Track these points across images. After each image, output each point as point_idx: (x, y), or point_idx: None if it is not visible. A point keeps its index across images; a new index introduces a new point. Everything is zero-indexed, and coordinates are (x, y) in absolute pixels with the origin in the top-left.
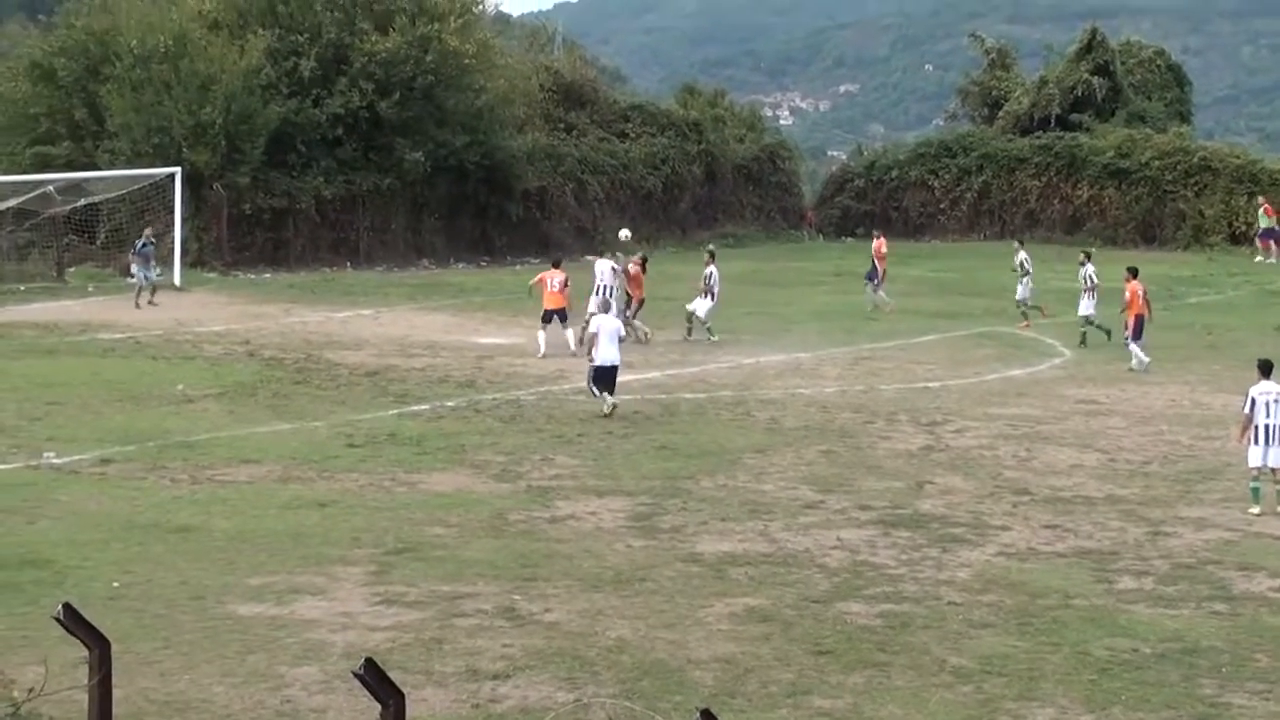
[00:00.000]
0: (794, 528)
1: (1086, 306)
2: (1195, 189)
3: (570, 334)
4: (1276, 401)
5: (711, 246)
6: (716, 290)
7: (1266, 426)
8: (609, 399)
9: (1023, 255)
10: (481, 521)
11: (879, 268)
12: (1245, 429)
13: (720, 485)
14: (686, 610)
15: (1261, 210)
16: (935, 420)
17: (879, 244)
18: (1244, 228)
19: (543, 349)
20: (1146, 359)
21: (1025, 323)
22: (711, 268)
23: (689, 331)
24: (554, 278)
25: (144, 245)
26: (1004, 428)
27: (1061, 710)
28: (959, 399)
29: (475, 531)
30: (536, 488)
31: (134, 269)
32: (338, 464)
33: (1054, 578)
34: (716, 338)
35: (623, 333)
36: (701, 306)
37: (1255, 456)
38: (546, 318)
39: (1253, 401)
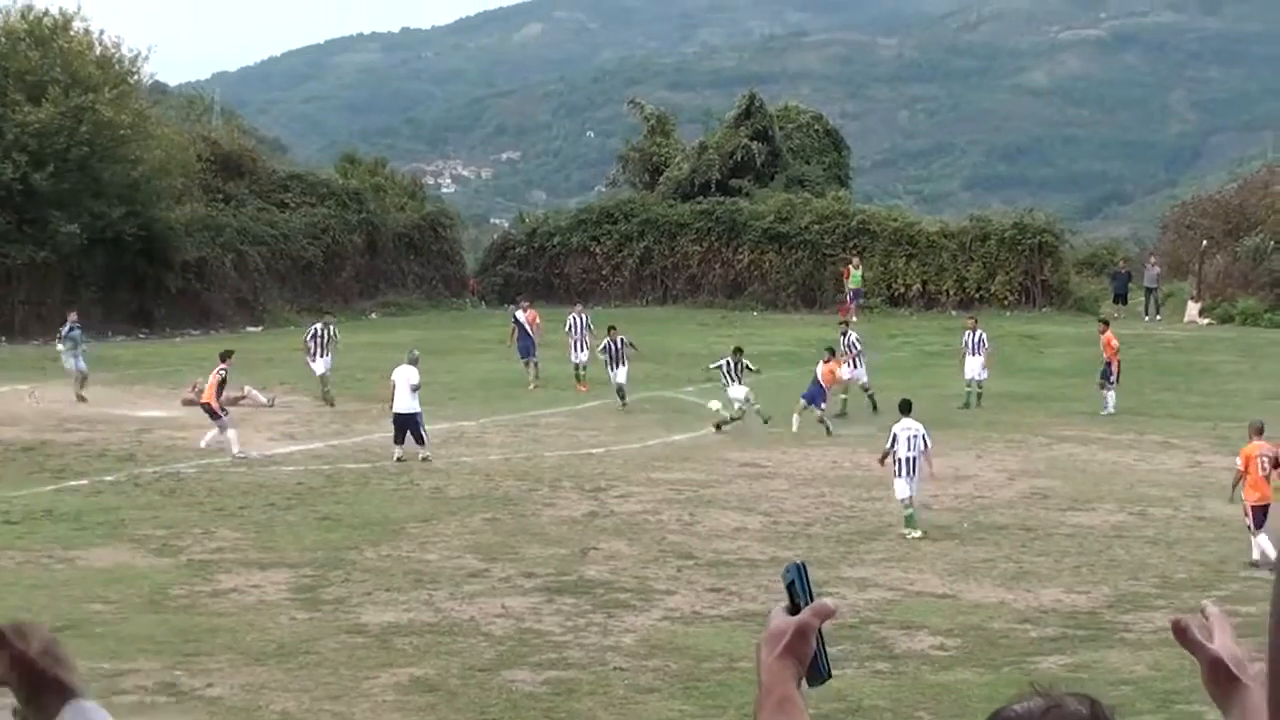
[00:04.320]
0: (459, 596)
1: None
2: (854, 252)
3: (230, 432)
4: (914, 437)
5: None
6: None
7: (908, 459)
8: (398, 450)
9: (854, 336)
10: (142, 597)
11: (534, 339)
12: (884, 458)
13: (384, 555)
14: (351, 682)
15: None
16: (599, 486)
17: (531, 314)
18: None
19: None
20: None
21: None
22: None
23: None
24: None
25: (71, 329)
26: (668, 492)
27: None
28: (623, 464)
29: (136, 607)
30: (198, 561)
31: (64, 359)
32: None
33: (719, 641)
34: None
35: (415, 381)
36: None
37: (901, 488)
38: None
39: (894, 437)
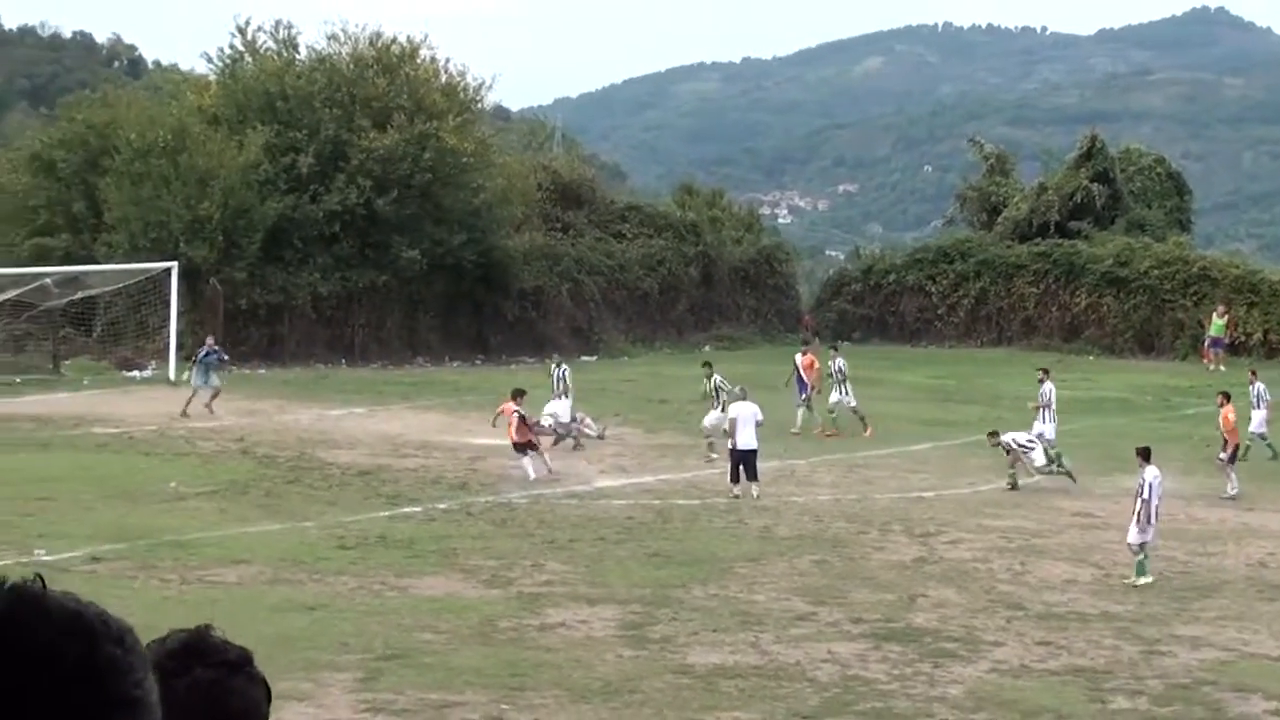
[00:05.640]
0: (785, 639)
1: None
2: (1194, 298)
3: (528, 462)
4: (1158, 481)
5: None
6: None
7: (1154, 507)
8: (736, 489)
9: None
10: (471, 628)
11: (807, 380)
12: (1137, 512)
13: (712, 594)
14: None
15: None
16: (929, 531)
17: (808, 359)
18: (1243, 338)
19: (532, 474)
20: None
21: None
22: (716, 377)
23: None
24: (513, 413)
25: (207, 354)
26: (998, 540)
27: None
28: (954, 509)
29: (465, 638)
30: (527, 594)
31: (194, 378)
32: (328, 566)
33: (1047, 696)
34: (715, 455)
35: (760, 417)
36: (710, 417)
37: (1135, 534)
38: (519, 449)
39: (1149, 487)
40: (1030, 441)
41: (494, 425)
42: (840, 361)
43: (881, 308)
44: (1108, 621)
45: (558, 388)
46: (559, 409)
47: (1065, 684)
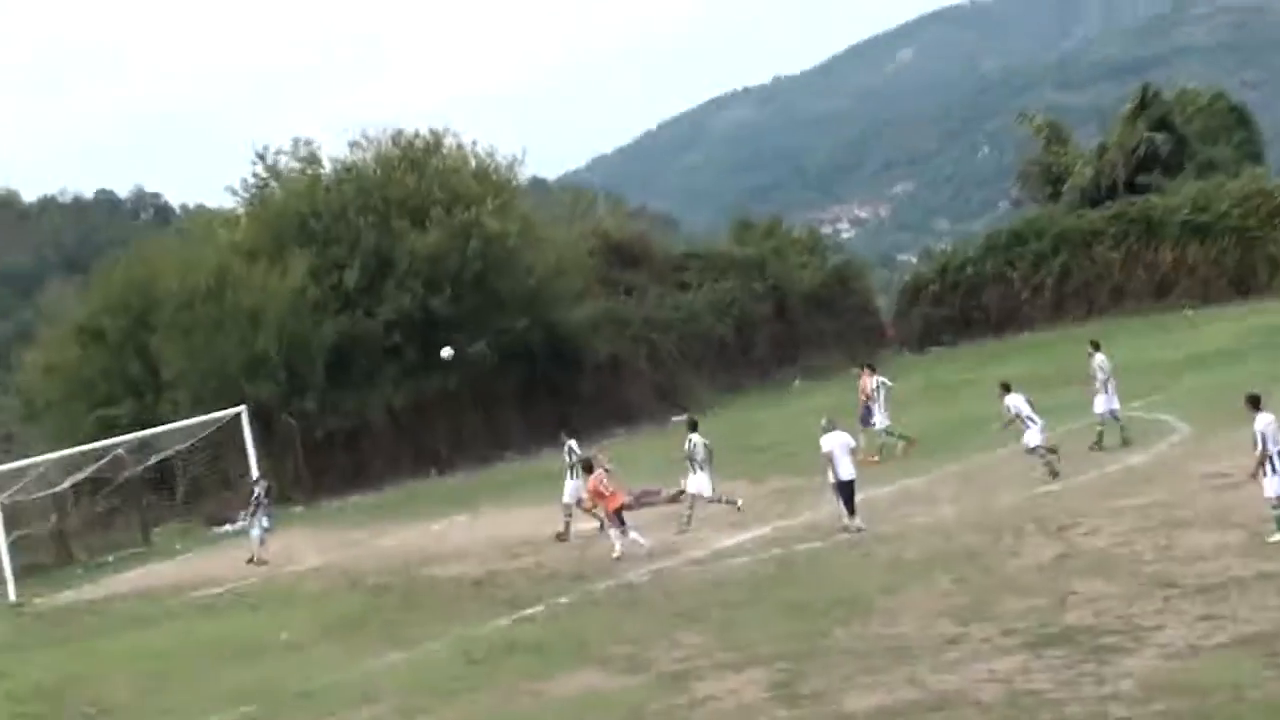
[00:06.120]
0: (941, 667)
1: (1104, 403)
2: None
3: (614, 535)
4: (1272, 428)
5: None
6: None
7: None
8: (856, 520)
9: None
10: None
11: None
12: (1261, 464)
13: (856, 634)
14: None
15: None
16: (1063, 525)
17: (865, 379)
18: None
19: (645, 544)
20: None
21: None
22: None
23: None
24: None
25: (260, 497)
26: (1137, 520)
27: None
28: (1083, 497)
29: None
30: (668, 673)
31: (252, 529)
32: (461, 685)
33: (1222, 672)
34: (739, 501)
35: (852, 444)
36: (696, 482)
37: (1272, 487)
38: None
39: (1263, 436)
40: (1032, 419)
41: (591, 509)
42: (876, 380)
43: (963, 304)
44: (1268, 582)
45: (572, 467)
46: (572, 489)
47: (1238, 656)
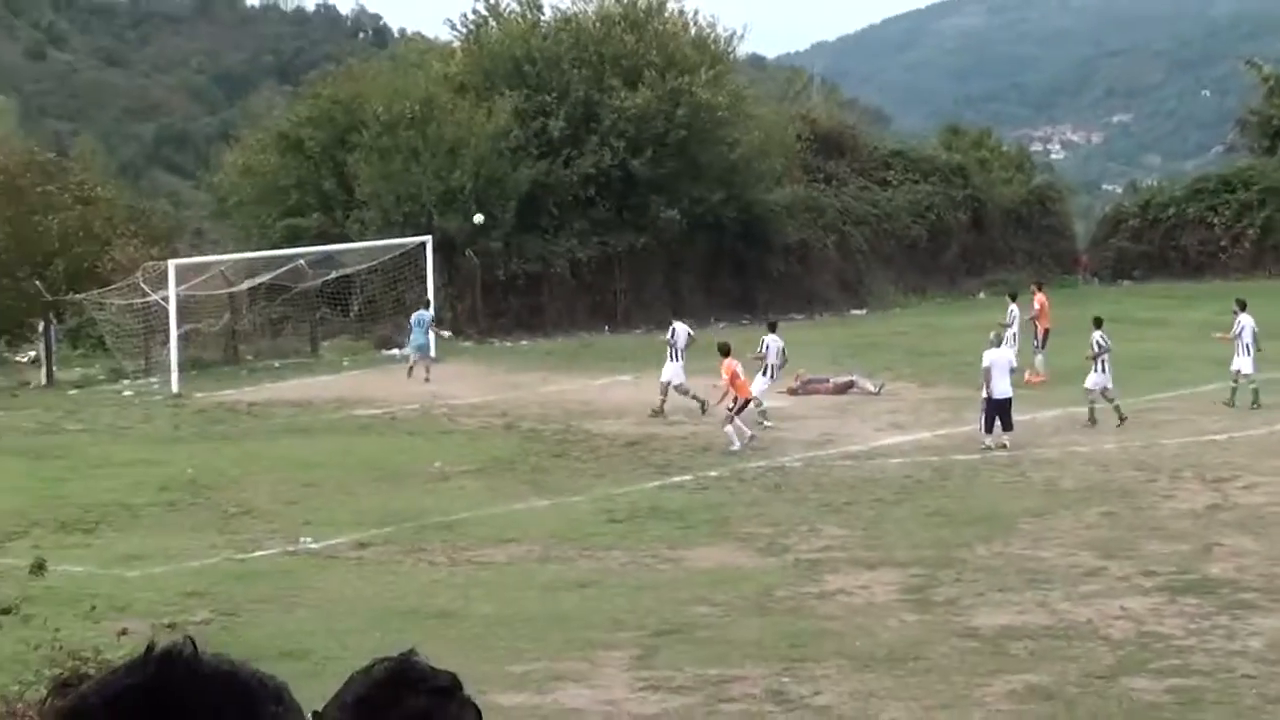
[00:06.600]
0: (1075, 597)
1: (1243, 363)
2: None
3: (730, 430)
4: None
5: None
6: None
7: None
8: (989, 439)
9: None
10: (748, 599)
11: (1039, 328)
12: None
13: (996, 553)
14: (964, 689)
15: None
16: (1222, 476)
17: (1040, 298)
18: None
19: (737, 443)
20: None
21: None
22: (768, 339)
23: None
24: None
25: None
26: None
27: None
28: (1249, 452)
29: (741, 610)
30: (804, 561)
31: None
32: (599, 541)
33: None
34: (769, 423)
35: (1014, 363)
36: (758, 384)
37: None
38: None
39: None
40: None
41: (725, 398)
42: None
43: (1162, 242)
44: None
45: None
46: (671, 370)
47: None
